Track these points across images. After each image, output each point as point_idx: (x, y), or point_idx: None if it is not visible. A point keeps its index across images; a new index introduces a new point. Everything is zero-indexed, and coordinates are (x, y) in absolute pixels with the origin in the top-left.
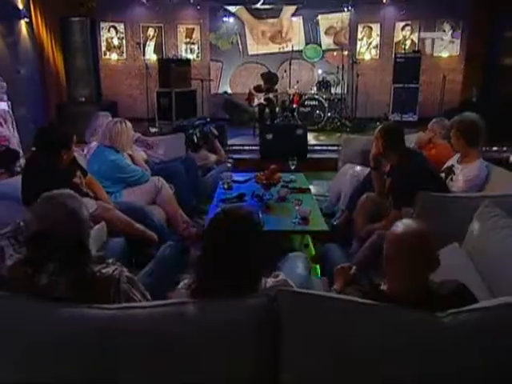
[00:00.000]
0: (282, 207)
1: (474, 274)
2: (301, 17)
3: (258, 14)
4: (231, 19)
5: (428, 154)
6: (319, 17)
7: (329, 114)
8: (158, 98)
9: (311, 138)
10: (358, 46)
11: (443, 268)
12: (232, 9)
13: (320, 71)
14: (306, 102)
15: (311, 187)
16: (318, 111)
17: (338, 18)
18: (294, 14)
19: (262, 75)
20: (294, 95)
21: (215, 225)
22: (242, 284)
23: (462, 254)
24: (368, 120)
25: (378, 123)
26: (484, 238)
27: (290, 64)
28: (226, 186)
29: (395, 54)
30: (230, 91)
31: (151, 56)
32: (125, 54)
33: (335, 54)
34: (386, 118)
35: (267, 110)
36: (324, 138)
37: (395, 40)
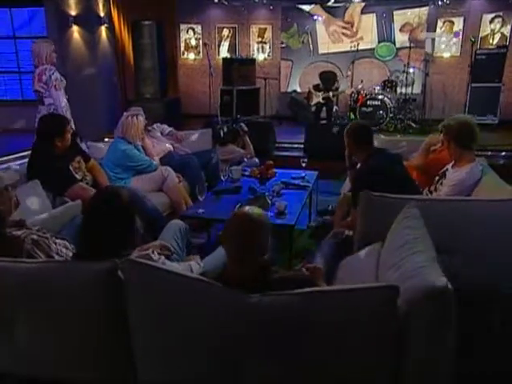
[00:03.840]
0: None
1: (367, 273)
2: (374, 14)
3: (330, 12)
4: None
5: (438, 156)
6: (394, 13)
7: (391, 115)
8: (222, 95)
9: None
10: (437, 43)
11: (348, 266)
12: (306, 8)
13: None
14: (368, 102)
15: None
16: (380, 111)
17: (416, 14)
18: (367, 12)
19: (320, 74)
20: (358, 94)
21: (91, 200)
22: (105, 252)
23: (373, 253)
24: (439, 122)
25: None
26: (388, 238)
27: (353, 63)
28: (223, 178)
29: (475, 51)
30: (299, 90)
31: (226, 55)
32: (201, 54)
33: (410, 51)
34: None
35: (325, 109)
36: (382, 139)
37: (481, 34)
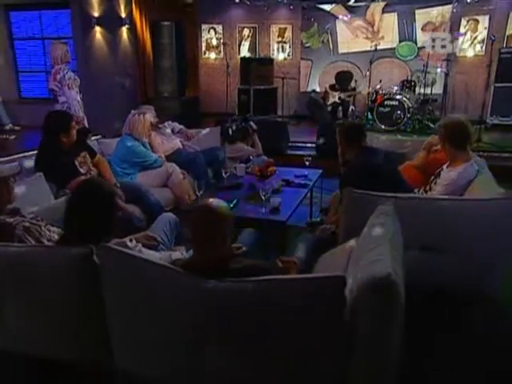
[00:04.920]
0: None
1: (339, 268)
2: (395, 13)
3: (351, 11)
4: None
5: (438, 156)
6: (416, 12)
7: (409, 115)
8: (239, 94)
9: (380, 140)
10: (460, 42)
11: (324, 261)
12: (327, 7)
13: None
14: (386, 102)
15: None
16: (398, 111)
17: (439, 13)
18: (388, 11)
19: (336, 75)
20: (376, 94)
21: (75, 190)
22: (89, 238)
23: (346, 249)
24: None
25: (473, 126)
26: (361, 234)
27: (371, 63)
28: (224, 175)
29: (500, 49)
30: (318, 90)
31: (246, 55)
32: (222, 54)
33: (432, 51)
34: (482, 120)
35: (341, 109)
36: (395, 140)
37: (507, 33)
